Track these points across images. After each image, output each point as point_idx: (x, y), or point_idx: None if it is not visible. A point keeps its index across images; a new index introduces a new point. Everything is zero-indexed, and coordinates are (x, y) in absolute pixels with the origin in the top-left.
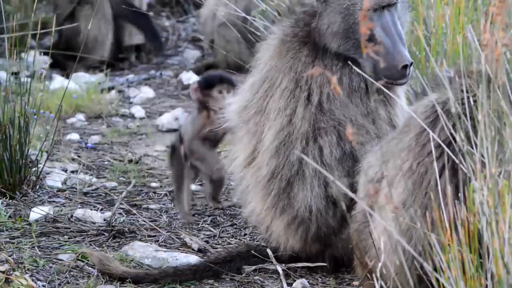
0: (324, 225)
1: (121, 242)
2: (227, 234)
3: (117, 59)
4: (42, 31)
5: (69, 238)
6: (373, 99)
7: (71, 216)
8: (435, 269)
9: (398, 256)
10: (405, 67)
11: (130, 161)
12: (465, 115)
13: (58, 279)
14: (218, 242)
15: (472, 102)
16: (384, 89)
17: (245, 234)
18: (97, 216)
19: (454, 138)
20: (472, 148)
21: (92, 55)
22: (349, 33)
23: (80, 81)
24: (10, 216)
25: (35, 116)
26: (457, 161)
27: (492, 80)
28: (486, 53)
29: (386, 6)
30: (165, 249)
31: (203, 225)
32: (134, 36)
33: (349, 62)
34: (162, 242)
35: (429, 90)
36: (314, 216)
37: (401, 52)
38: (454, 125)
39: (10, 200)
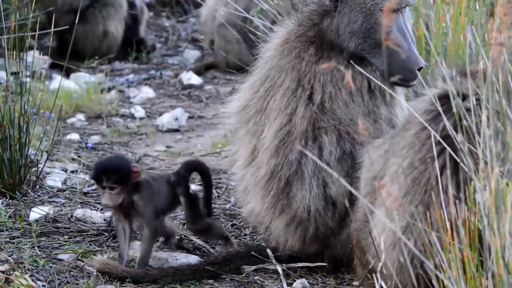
0: (323, 226)
1: None
2: None
3: (125, 52)
4: (41, 32)
5: (69, 238)
6: (378, 97)
7: (71, 216)
8: (435, 268)
9: (398, 253)
10: (420, 69)
11: None
12: (467, 110)
13: (58, 279)
14: (217, 242)
15: (474, 101)
16: (386, 89)
17: (245, 234)
18: (97, 216)
19: (455, 136)
20: (474, 146)
21: (111, 52)
22: (369, 33)
23: (80, 81)
24: (10, 216)
25: (35, 116)
26: (458, 160)
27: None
28: (493, 52)
29: (402, 8)
30: (165, 249)
31: None
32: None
33: (351, 61)
34: (162, 242)
35: (431, 87)
36: (313, 216)
37: (416, 54)
38: (455, 122)
39: (10, 200)
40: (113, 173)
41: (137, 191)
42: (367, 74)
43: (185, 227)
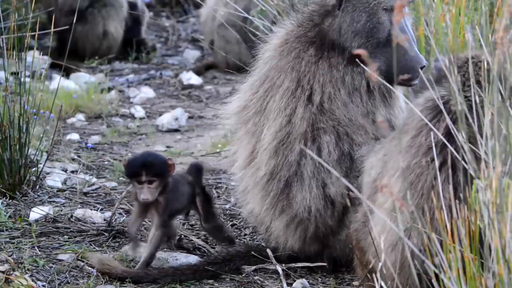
0: (323, 226)
1: (121, 242)
2: None
3: (125, 52)
4: (41, 32)
5: (69, 238)
6: (377, 98)
7: (71, 216)
8: (435, 268)
9: (398, 254)
10: (422, 68)
11: None
12: (469, 111)
13: (58, 279)
14: (221, 243)
15: (477, 100)
16: (386, 88)
17: (245, 234)
18: (97, 216)
19: (453, 137)
20: (473, 147)
21: (111, 52)
22: (372, 32)
23: (80, 81)
24: (10, 216)
25: (35, 116)
26: (459, 158)
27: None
28: (499, 51)
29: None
30: (165, 249)
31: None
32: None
33: (352, 61)
34: None
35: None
36: (313, 216)
37: (418, 53)
38: (454, 123)
39: (10, 200)
40: (153, 166)
41: (162, 192)
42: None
43: (201, 225)
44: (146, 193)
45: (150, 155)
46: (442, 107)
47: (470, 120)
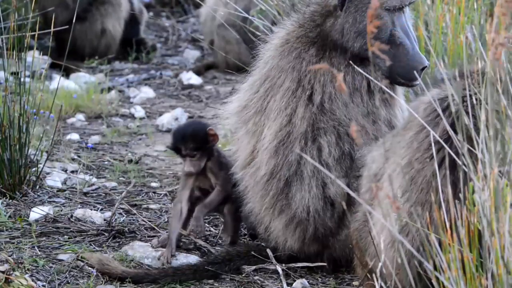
0: (322, 226)
1: (121, 242)
2: None
3: (125, 52)
4: (41, 31)
5: (69, 238)
6: (378, 98)
7: (71, 216)
8: (434, 268)
9: (397, 253)
10: (423, 68)
11: (130, 161)
12: (467, 113)
13: (58, 279)
14: (218, 242)
15: (474, 101)
16: (386, 89)
17: (245, 234)
18: (97, 216)
19: (454, 136)
20: (473, 146)
21: (110, 51)
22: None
23: (80, 81)
24: (10, 216)
25: (35, 116)
26: (458, 161)
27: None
28: (492, 52)
29: (405, 6)
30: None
31: None
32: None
33: (351, 62)
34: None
35: (430, 88)
36: (312, 217)
37: (419, 54)
38: (453, 123)
39: (10, 200)
40: (191, 141)
41: (210, 159)
42: (366, 75)
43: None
44: (189, 166)
45: (190, 126)
46: (439, 108)
47: (470, 119)
